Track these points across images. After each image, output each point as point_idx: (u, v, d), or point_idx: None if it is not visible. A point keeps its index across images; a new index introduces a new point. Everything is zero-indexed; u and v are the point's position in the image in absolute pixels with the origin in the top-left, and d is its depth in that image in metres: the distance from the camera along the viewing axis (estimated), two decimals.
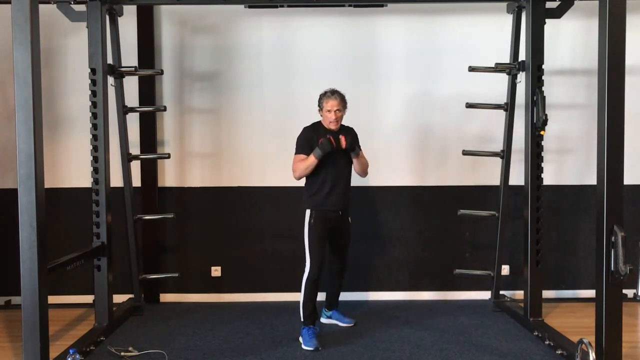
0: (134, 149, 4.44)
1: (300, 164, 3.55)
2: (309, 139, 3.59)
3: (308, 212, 3.63)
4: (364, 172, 3.78)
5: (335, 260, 3.84)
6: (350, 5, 4.12)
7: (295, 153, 3.61)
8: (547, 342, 3.53)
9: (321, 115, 3.68)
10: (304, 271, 3.60)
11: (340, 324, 3.96)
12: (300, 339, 3.59)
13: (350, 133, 3.70)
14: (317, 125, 3.67)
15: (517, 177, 4.29)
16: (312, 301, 3.61)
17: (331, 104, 3.58)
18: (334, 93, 3.62)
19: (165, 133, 4.67)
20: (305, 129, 3.66)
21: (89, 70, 3.81)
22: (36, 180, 2.88)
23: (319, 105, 3.67)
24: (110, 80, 4.03)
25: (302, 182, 3.72)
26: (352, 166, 3.72)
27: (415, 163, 4.68)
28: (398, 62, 4.63)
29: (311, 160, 3.51)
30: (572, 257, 4.70)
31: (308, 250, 3.60)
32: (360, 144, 3.74)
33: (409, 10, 4.61)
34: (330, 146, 3.50)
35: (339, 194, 3.62)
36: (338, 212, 3.66)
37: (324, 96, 3.64)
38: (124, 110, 4.20)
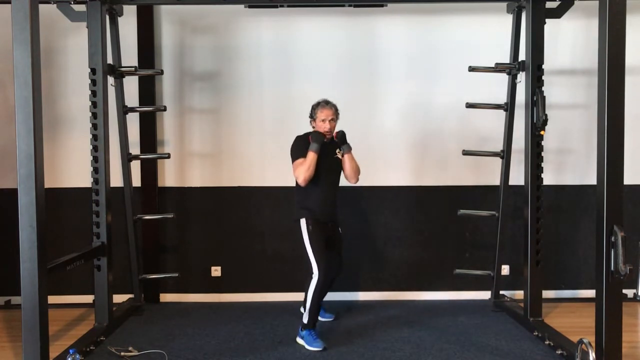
0: (134, 149, 4.44)
1: (302, 165, 3.51)
2: (304, 144, 3.58)
3: (303, 221, 3.62)
4: (355, 176, 3.71)
5: (332, 264, 3.77)
6: (350, 5, 4.12)
7: (293, 161, 3.60)
8: (547, 342, 3.53)
9: (313, 126, 3.69)
10: (310, 277, 3.55)
11: (321, 319, 3.95)
12: (301, 341, 3.59)
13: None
14: (309, 135, 3.64)
15: (517, 177, 4.28)
16: (319, 306, 3.62)
17: (326, 113, 3.60)
18: (327, 103, 3.65)
19: (165, 133, 4.67)
20: (298, 137, 3.67)
21: (89, 70, 3.81)
22: (36, 180, 2.88)
23: (311, 116, 3.68)
24: (110, 80, 4.03)
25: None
26: (342, 172, 3.71)
27: (415, 163, 4.68)
28: (398, 62, 4.63)
29: (310, 156, 3.49)
30: (572, 257, 4.70)
31: (313, 257, 3.55)
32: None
33: (409, 10, 4.61)
34: (322, 136, 3.55)
35: (330, 205, 3.66)
36: (329, 224, 3.70)
37: (317, 106, 3.65)
38: (124, 110, 4.20)
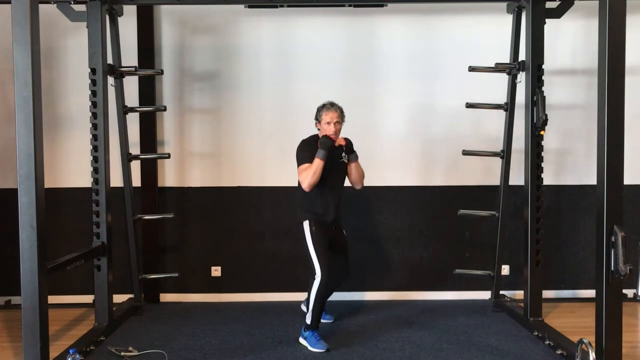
0: (134, 149, 4.44)
1: (307, 171, 3.47)
2: (310, 148, 3.54)
3: (307, 223, 3.59)
4: (360, 181, 3.72)
5: (338, 267, 3.76)
6: (350, 5, 4.11)
7: (299, 165, 3.55)
8: (547, 342, 3.53)
9: (318, 129, 3.65)
10: (313, 278, 3.51)
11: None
12: (304, 342, 3.57)
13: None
14: (315, 138, 3.62)
15: (517, 177, 4.28)
16: (322, 307, 3.59)
17: (331, 115, 3.55)
18: (333, 105, 3.59)
19: (165, 133, 4.67)
20: (303, 141, 3.64)
21: (89, 70, 3.81)
22: (36, 180, 2.88)
23: (316, 118, 3.64)
24: (110, 80, 4.03)
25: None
26: (347, 177, 3.71)
27: (415, 163, 4.68)
28: (398, 62, 4.63)
29: (316, 163, 3.45)
30: (572, 257, 4.70)
31: (316, 257, 3.52)
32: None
33: (409, 10, 4.61)
34: (331, 141, 3.50)
35: (334, 208, 3.63)
36: (333, 227, 3.69)
37: (322, 108, 3.60)
38: (124, 110, 4.20)
